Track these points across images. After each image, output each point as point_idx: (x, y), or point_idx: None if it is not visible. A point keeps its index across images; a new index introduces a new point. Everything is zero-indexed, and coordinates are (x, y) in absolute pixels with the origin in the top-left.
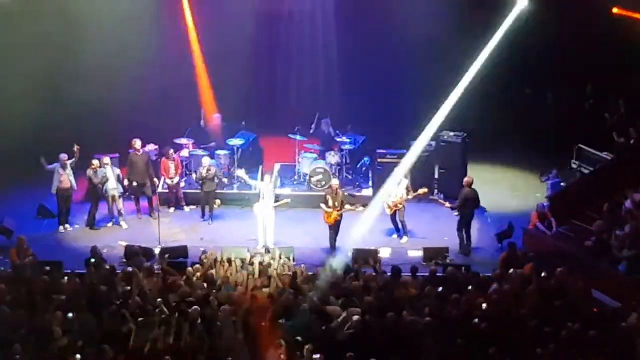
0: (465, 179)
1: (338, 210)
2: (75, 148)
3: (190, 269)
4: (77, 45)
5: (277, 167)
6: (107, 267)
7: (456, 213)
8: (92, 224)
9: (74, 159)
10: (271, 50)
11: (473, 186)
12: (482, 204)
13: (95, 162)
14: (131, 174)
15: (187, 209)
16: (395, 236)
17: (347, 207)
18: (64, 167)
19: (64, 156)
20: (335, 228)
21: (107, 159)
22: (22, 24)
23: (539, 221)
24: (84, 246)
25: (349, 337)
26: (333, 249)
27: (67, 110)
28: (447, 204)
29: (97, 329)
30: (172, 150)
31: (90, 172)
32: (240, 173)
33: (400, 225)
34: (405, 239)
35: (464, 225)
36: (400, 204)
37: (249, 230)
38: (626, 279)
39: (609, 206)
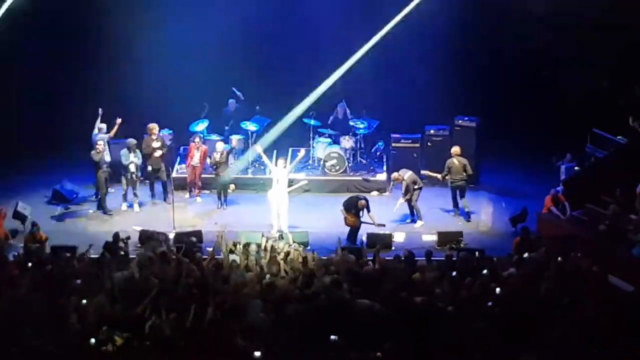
0: (453, 149)
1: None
2: (118, 121)
3: (198, 254)
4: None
5: (302, 152)
6: (122, 252)
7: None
8: (104, 207)
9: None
10: (286, 34)
11: (460, 156)
12: (495, 190)
13: (100, 144)
14: (146, 158)
15: (198, 199)
16: (408, 220)
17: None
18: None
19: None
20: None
21: (132, 141)
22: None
23: (553, 205)
24: (98, 231)
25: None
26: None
27: (81, 95)
28: (436, 175)
29: (112, 313)
30: (198, 138)
31: (93, 152)
32: (258, 148)
33: (413, 210)
34: (419, 223)
35: (456, 195)
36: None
37: (264, 215)
38: None
39: (620, 190)
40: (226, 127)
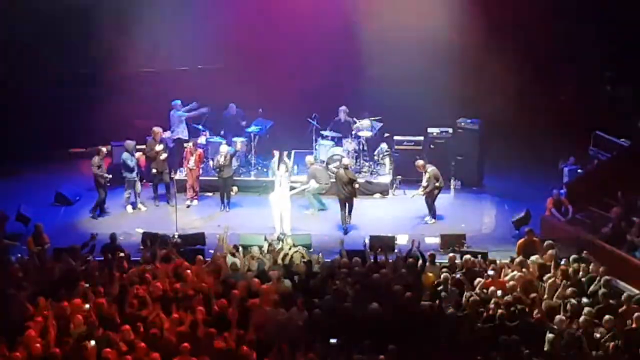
0: (307, 158)
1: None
2: None
3: (199, 256)
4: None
5: (286, 153)
6: (123, 253)
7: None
8: (95, 212)
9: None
10: (288, 36)
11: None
12: (498, 193)
13: (104, 150)
14: (150, 161)
15: (195, 202)
16: (427, 218)
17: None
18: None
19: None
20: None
21: (131, 144)
22: None
23: (554, 207)
24: (101, 233)
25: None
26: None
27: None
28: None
29: (117, 314)
30: (191, 142)
31: (96, 159)
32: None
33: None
34: (431, 220)
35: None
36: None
37: (266, 217)
38: None
39: (622, 193)
40: (221, 132)
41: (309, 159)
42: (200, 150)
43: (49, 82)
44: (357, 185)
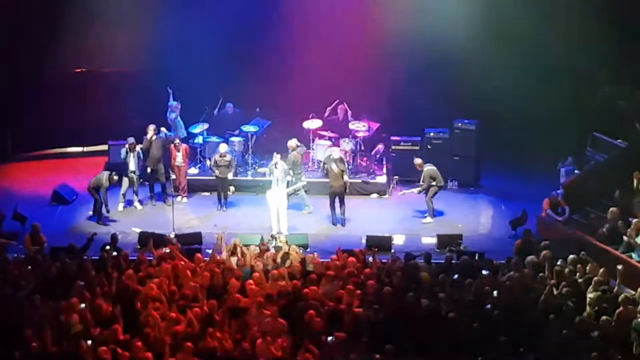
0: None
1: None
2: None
3: (198, 254)
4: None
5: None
6: (121, 253)
7: None
8: (102, 221)
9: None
10: (287, 36)
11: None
12: (494, 193)
13: (115, 177)
14: (145, 159)
15: (184, 199)
16: (427, 216)
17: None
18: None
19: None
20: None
21: (131, 140)
22: None
23: (550, 208)
24: (99, 232)
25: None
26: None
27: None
28: None
29: (113, 314)
30: (177, 139)
31: (105, 184)
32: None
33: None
34: (428, 219)
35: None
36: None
37: (263, 217)
38: None
39: (620, 193)
40: (227, 131)
41: (291, 143)
42: (185, 145)
43: (46, 81)
44: (346, 178)
